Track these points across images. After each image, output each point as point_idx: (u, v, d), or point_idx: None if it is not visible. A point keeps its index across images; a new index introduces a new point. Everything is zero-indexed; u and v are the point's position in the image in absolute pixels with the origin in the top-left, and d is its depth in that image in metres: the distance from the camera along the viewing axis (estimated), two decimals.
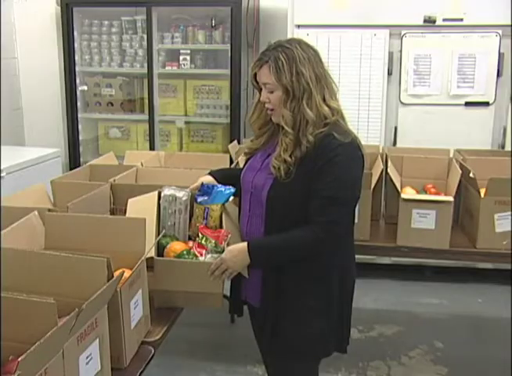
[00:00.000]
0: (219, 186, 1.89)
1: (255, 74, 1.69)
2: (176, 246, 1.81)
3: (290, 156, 1.61)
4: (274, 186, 1.65)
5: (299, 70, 1.60)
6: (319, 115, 1.61)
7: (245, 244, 1.64)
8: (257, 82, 1.71)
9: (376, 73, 3.52)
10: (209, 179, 1.93)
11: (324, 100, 1.63)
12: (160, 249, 1.81)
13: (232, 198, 1.91)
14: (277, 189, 1.64)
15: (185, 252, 1.76)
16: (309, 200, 1.60)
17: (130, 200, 1.95)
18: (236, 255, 1.64)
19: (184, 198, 1.91)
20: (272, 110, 1.68)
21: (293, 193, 1.62)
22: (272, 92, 1.65)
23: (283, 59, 1.60)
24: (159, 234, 1.82)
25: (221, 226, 1.86)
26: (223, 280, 1.67)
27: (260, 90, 1.71)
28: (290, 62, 1.60)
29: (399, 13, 3.43)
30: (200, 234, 1.81)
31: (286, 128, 1.63)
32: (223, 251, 1.73)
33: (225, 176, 1.95)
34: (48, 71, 4.25)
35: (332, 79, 1.69)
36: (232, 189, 1.86)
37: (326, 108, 1.62)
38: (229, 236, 1.76)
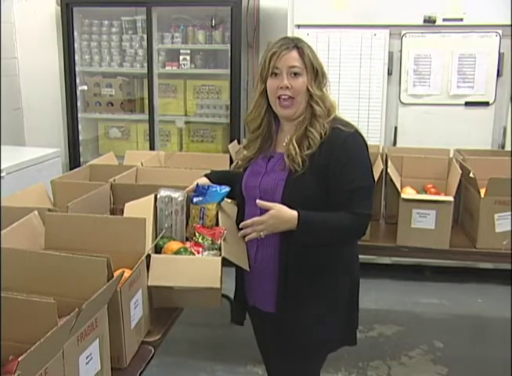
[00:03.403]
0: (214, 186, 1.89)
1: (269, 62, 1.66)
2: (173, 245, 1.81)
3: (309, 144, 1.63)
4: (288, 184, 1.65)
5: (319, 60, 1.69)
6: (330, 105, 1.69)
7: (294, 211, 1.60)
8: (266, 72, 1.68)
9: (376, 73, 3.52)
10: (204, 181, 1.94)
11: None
12: (158, 250, 1.81)
13: (225, 200, 1.91)
14: (292, 187, 1.64)
15: (182, 250, 1.76)
16: (336, 194, 1.62)
17: (127, 204, 1.95)
18: (283, 215, 1.60)
19: (180, 199, 1.91)
20: (289, 99, 1.66)
21: (308, 187, 1.62)
22: (296, 77, 1.64)
23: (308, 47, 1.68)
24: (156, 236, 1.82)
25: (217, 225, 1.87)
26: (251, 238, 1.65)
27: (264, 80, 1.69)
28: (313, 52, 1.69)
29: (399, 13, 3.43)
30: (196, 233, 1.82)
31: (317, 107, 1.65)
32: (220, 247, 1.73)
33: (219, 178, 1.95)
34: (48, 71, 4.25)
35: None
36: (227, 189, 1.87)
37: (332, 100, 1.70)
38: (225, 232, 1.76)
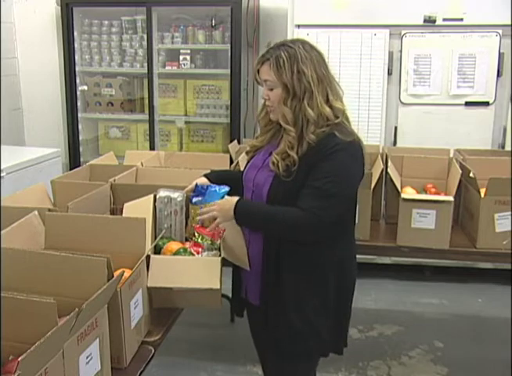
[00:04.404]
0: (213, 185, 1.89)
1: (258, 72, 1.70)
2: (173, 245, 1.81)
3: (291, 153, 1.62)
4: (274, 184, 1.65)
5: (300, 69, 1.60)
6: (320, 115, 1.61)
7: (237, 198, 1.69)
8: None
9: (376, 73, 3.52)
10: (203, 181, 1.94)
11: (327, 101, 1.63)
12: (157, 250, 1.81)
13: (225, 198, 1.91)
14: (277, 188, 1.65)
15: (181, 250, 1.76)
16: (303, 187, 1.61)
17: (126, 205, 1.95)
18: (225, 204, 1.70)
19: (179, 199, 1.91)
20: (270, 107, 1.69)
21: (293, 191, 1.62)
22: (271, 90, 1.66)
23: (284, 57, 1.61)
24: (155, 237, 1.82)
25: None
26: (211, 229, 1.72)
27: None
28: (292, 60, 1.61)
29: (399, 13, 3.43)
30: (196, 234, 1.82)
31: (285, 125, 1.64)
32: (219, 248, 1.73)
33: (218, 177, 1.96)
34: (48, 71, 4.26)
35: (336, 82, 1.69)
36: (227, 188, 1.87)
37: (327, 109, 1.62)
38: (224, 232, 1.76)
